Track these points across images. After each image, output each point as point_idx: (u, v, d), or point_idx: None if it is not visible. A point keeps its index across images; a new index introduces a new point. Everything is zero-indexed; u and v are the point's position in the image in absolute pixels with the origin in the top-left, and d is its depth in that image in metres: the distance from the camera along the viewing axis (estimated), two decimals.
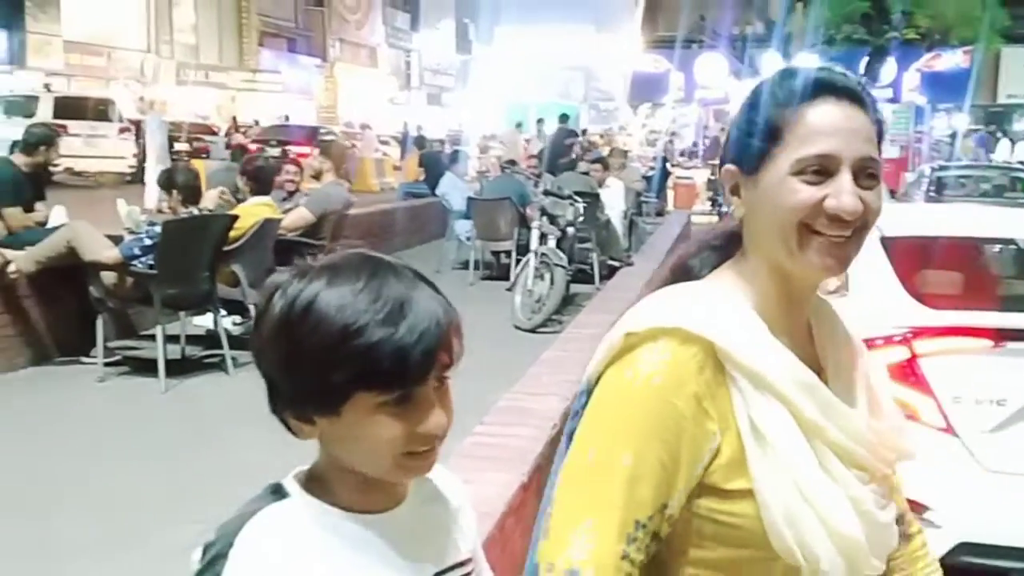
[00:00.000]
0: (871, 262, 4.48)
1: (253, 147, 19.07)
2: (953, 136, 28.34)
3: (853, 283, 4.42)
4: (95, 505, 4.35)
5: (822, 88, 1.17)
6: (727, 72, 28.19)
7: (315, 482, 1.09)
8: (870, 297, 4.24)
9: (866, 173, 1.16)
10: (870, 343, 4.31)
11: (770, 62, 20.85)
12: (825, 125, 1.15)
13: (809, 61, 21.06)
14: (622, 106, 42.86)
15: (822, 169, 1.15)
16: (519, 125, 17.55)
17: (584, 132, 22.80)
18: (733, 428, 1.14)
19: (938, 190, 14.20)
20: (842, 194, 1.14)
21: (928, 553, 1.41)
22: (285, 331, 1.03)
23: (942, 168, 16.19)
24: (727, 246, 1.27)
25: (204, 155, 20.11)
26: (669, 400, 1.12)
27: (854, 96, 1.18)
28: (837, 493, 1.14)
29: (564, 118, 19.30)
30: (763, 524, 1.13)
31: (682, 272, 1.27)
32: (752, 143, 1.19)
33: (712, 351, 1.14)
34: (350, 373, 1.00)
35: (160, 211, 7.16)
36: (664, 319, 1.16)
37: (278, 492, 1.08)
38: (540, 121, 19.74)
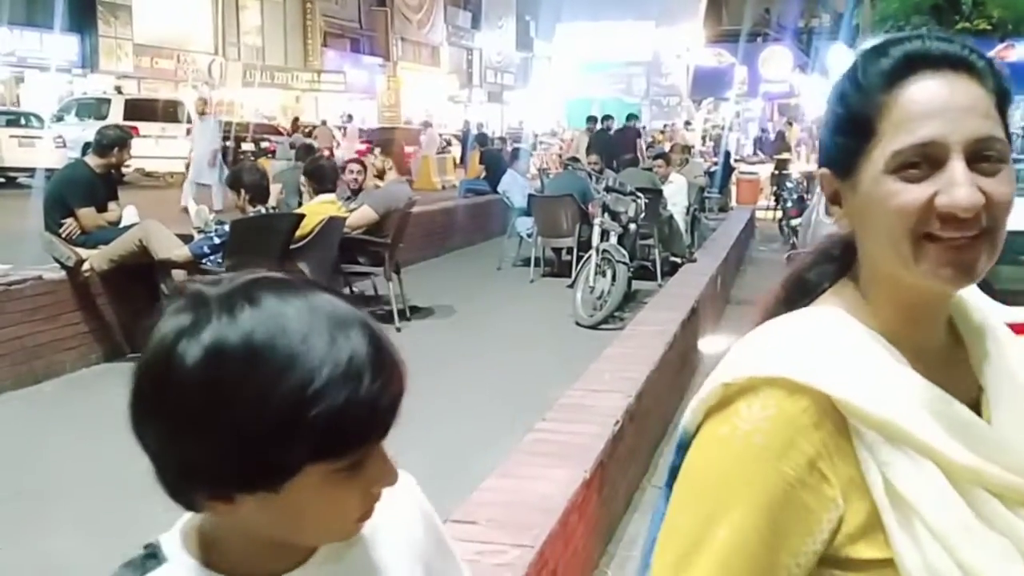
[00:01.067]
0: None
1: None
2: None
3: None
4: (163, 495, 4.45)
5: (916, 61, 0.96)
6: (792, 66, 27.81)
7: (203, 539, 0.90)
8: None
9: (985, 156, 0.94)
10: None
11: (837, 55, 20.50)
12: (923, 106, 0.94)
13: None
14: (685, 101, 42.52)
15: (926, 160, 0.94)
16: (590, 120, 17.35)
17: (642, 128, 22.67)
18: (862, 492, 0.95)
19: None
20: (954, 187, 0.92)
21: None
22: (202, 393, 0.79)
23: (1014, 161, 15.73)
24: (846, 255, 1.06)
25: (270, 155, 20.42)
26: (774, 464, 0.94)
27: (961, 64, 0.95)
28: (1000, 549, 0.93)
29: (632, 117, 19.49)
30: None
31: (797, 286, 1.09)
32: (842, 141, 1.00)
33: (828, 403, 0.95)
34: (307, 447, 0.79)
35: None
36: (765, 367, 0.97)
37: (153, 557, 0.90)
38: (608, 118, 19.73)
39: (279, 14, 35.99)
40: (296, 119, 28.44)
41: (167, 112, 21.96)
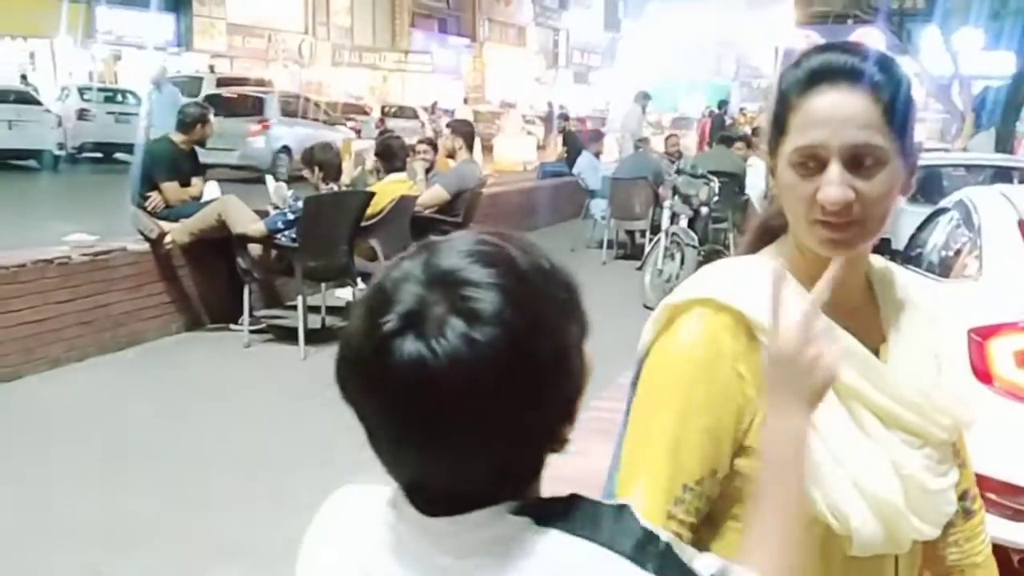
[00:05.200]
0: (1006, 246, 4.32)
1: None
2: None
3: (987, 267, 4.28)
4: (238, 461, 4.67)
5: (819, 75, 1.16)
6: (884, 48, 27.06)
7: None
8: (1004, 281, 4.11)
9: (861, 161, 1.14)
10: (998, 328, 4.12)
11: (930, 38, 19.85)
12: (814, 115, 1.15)
13: (972, 37, 19.96)
14: (774, 83, 41.71)
15: (815, 160, 1.15)
16: (646, 98, 16.59)
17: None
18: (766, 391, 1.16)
19: None
20: (828, 186, 1.13)
21: (983, 532, 1.39)
22: (527, 332, 0.83)
23: None
24: None
25: (356, 134, 20.73)
26: (709, 370, 1.17)
27: (858, 77, 1.14)
28: (874, 455, 1.16)
29: (722, 104, 19.41)
30: None
31: (762, 233, 1.32)
32: (770, 131, 1.22)
33: (743, 319, 1.17)
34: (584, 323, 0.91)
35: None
36: (699, 291, 1.21)
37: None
38: (724, 103, 19.96)
39: None
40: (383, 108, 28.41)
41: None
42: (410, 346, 0.81)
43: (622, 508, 0.89)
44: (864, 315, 1.25)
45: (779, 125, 1.19)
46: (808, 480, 1.12)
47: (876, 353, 1.23)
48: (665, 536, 0.89)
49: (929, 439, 1.20)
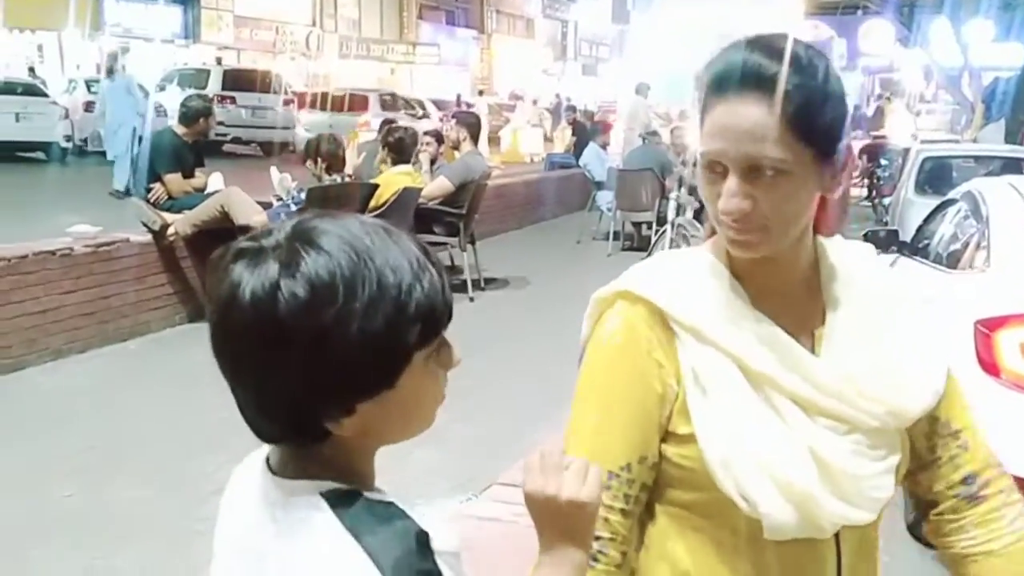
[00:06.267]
0: (1014, 237, 4.28)
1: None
2: None
3: (995, 259, 4.24)
4: (241, 453, 4.61)
5: (723, 80, 1.15)
6: (893, 39, 26.91)
7: (335, 470, 0.97)
8: (1011, 273, 4.06)
9: (759, 171, 1.13)
10: (1005, 320, 4.08)
11: (940, 29, 19.73)
12: (715, 126, 1.15)
13: (982, 29, 19.83)
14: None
15: (719, 166, 1.16)
16: (647, 89, 16.36)
17: None
18: (683, 377, 1.22)
19: None
20: (725, 196, 1.15)
21: (1002, 520, 1.30)
22: (324, 317, 0.88)
23: None
24: None
25: (363, 126, 20.73)
26: (628, 358, 1.22)
27: (764, 84, 1.13)
28: (787, 441, 1.17)
29: None
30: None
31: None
32: (695, 127, 1.22)
33: (657, 310, 1.21)
34: (413, 334, 0.92)
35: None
36: (619, 283, 1.26)
37: (352, 496, 0.95)
38: None
39: None
40: (393, 94, 28.48)
41: (264, 83, 22.43)
42: (237, 269, 0.91)
43: (425, 537, 0.91)
44: (801, 304, 1.26)
45: (700, 123, 1.19)
46: (720, 467, 1.17)
47: (813, 341, 1.25)
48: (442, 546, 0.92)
49: (858, 425, 1.20)
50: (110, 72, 14.34)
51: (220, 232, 6.88)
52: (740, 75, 1.14)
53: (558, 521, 1.02)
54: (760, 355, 1.19)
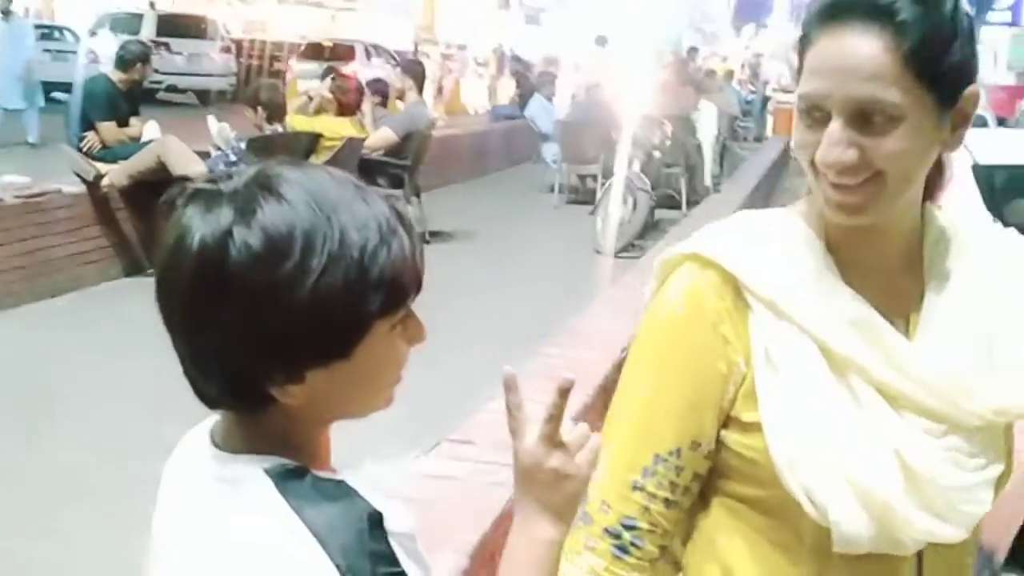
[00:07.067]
0: (961, 192, 4.29)
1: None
2: None
3: None
4: (181, 410, 4.48)
5: (835, 7, 1.00)
6: None
7: (280, 445, 0.89)
8: None
9: (868, 117, 0.99)
10: None
11: None
12: (818, 62, 1.01)
13: None
14: (725, 27, 41.62)
15: (819, 110, 1.01)
16: (602, 41, 16.56)
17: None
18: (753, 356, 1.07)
19: None
20: (825, 144, 1.00)
21: None
22: (275, 272, 0.81)
23: None
24: None
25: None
26: (688, 332, 1.08)
27: (877, 14, 0.98)
28: (870, 439, 1.02)
29: (692, 51, 19.69)
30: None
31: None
32: (797, 64, 1.08)
33: (731, 278, 1.07)
34: (375, 301, 0.84)
35: None
36: (689, 245, 1.11)
37: (299, 473, 0.87)
38: (693, 50, 20.23)
39: None
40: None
41: (199, 29, 21.84)
42: (189, 213, 0.84)
43: (378, 517, 0.84)
44: (899, 282, 1.10)
45: (800, 61, 1.05)
46: (786, 463, 1.02)
47: (907, 326, 1.09)
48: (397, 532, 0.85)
49: (957, 425, 1.04)
50: (5, 13, 13.01)
51: (156, 183, 6.67)
52: (850, 2, 0.99)
53: (542, 491, 0.95)
54: (847, 337, 1.03)
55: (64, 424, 4.42)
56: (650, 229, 8.86)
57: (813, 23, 1.03)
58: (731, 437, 1.09)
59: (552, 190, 11.22)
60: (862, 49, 0.98)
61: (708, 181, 10.72)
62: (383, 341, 0.86)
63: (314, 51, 23.40)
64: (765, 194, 11.68)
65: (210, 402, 0.90)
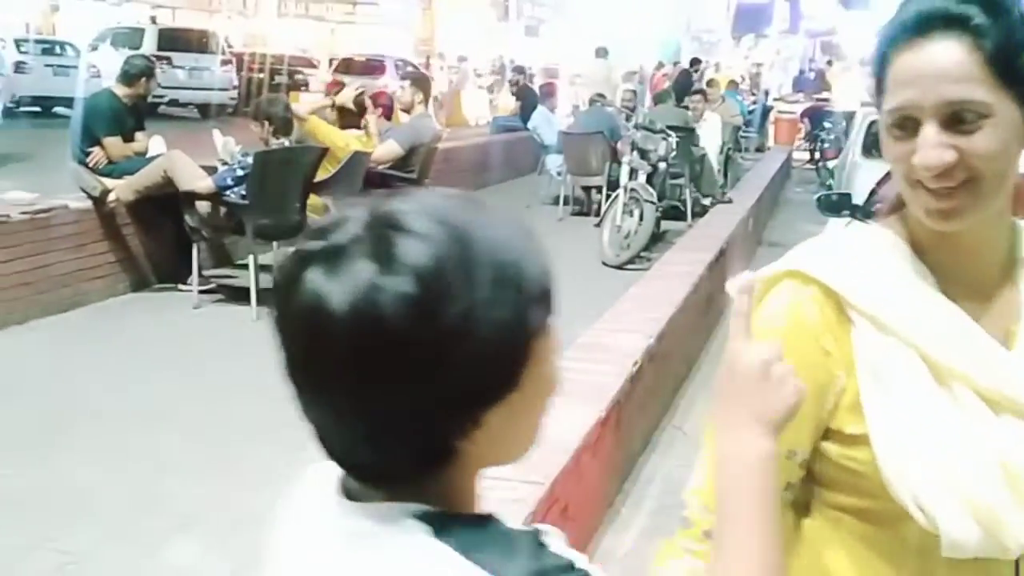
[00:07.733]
0: None
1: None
2: None
3: None
4: (187, 427, 4.50)
5: (911, 25, 1.06)
6: (836, 2, 27.17)
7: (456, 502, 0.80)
8: None
9: (960, 117, 1.03)
10: None
11: None
12: (903, 74, 1.06)
13: None
14: (724, 38, 41.66)
15: (908, 121, 1.05)
16: (605, 53, 16.59)
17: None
18: (855, 369, 1.10)
19: None
20: (922, 149, 1.04)
21: None
22: (443, 308, 0.72)
23: None
24: None
25: (304, 88, 20.31)
26: (792, 343, 1.08)
27: (955, 23, 1.04)
28: (976, 446, 1.05)
29: (695, 62, 19.66)
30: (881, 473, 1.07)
31: (900, 198, 1.19)
32: (874, 89, 1.12)
33: (832, 293, 1.11)
34: (535, 322, 0.77)
35: None
36: (787, 262, 1.15)
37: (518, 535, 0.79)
38: (696, 61, 20.31)
39: None
40: (330, 60, 28.02)
41: (200, 43, 21.86)
42: (315, 277, 0.73)
43: (535, 535, 0.77)
44: (996, 296, 1.14)
45: (879, 84, 1.10)
46: (896, 476, 1.05)
47: (1007, 340, 1.11)
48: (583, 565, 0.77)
49: None
50: None
51: (163, 198, 6.68)
52: (927, 16, 1.05)
53: (754, 398, 0.93)
54: (949, 347, 1.07)
55: (72, 439, 4.39)
56: (656, 240, 8.83)
57: (891, 42, 1.08)
58: (833, 449, 1.12)
59: (555, 202, 11.19)
60: (947, 55, 1.04)
61: (714, 191, 10.69)
62: (540, 359, 0.78)
63: (346, 66, 23.58)
64: (769, 204, 11.68)
65: (373, 475, 0.79)
